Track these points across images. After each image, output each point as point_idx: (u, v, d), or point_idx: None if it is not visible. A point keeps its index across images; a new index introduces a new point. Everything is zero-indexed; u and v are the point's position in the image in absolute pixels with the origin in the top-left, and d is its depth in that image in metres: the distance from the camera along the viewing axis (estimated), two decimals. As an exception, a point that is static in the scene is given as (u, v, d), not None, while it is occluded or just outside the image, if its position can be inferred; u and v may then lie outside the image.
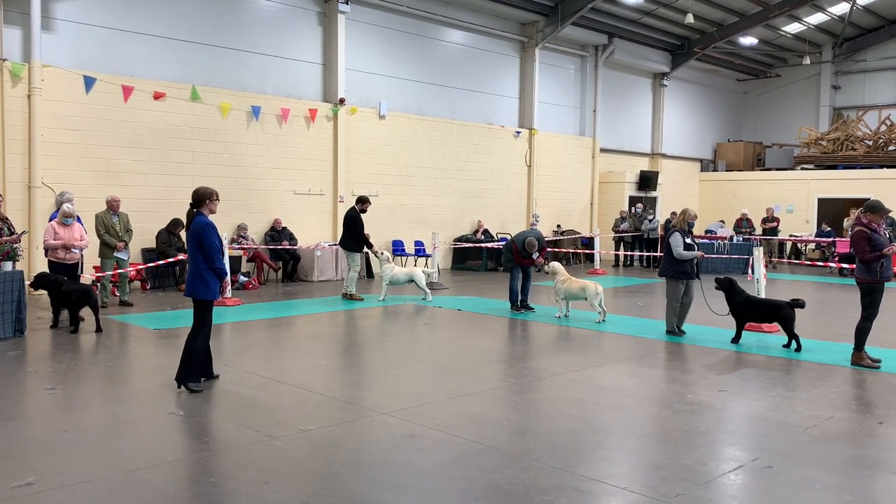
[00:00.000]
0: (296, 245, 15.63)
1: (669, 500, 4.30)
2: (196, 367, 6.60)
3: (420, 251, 18.28)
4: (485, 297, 13.55)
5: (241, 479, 4.59)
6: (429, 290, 12.98)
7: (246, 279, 14.40)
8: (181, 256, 12.87)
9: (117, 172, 13.78)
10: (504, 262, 12.32)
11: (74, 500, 4.21)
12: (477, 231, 19.57)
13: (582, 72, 23.11)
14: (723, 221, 21.02)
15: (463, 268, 19.22)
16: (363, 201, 13.33)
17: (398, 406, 6.17)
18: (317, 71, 16.84)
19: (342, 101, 16.81)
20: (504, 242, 14.52)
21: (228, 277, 6.73)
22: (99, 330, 9.38)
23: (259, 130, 15.72)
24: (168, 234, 13.74)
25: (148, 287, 13.87)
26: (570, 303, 11.31)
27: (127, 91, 13.80)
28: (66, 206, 10.35)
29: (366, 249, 13.53)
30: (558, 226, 22.05)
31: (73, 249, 10.21)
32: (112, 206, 11.81)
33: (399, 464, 4.86)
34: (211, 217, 6.73)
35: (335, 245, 15.44)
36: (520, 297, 11.89)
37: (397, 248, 18.04)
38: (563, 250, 20.86)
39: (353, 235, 13.05)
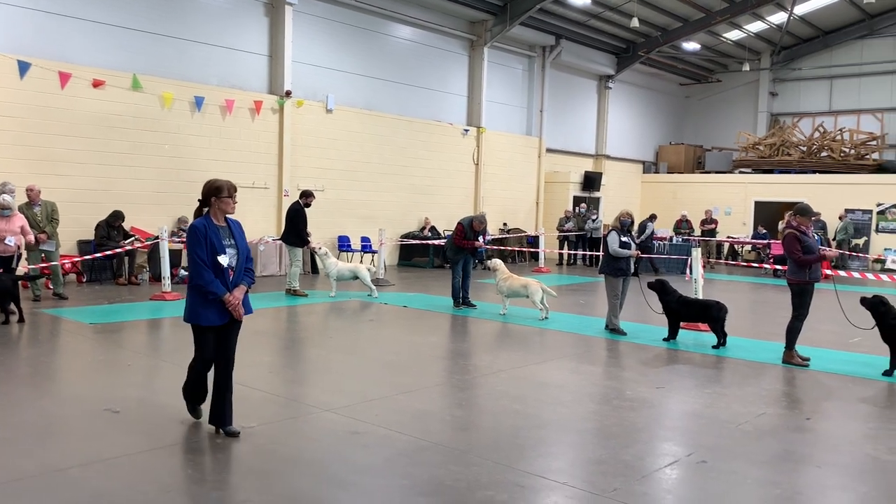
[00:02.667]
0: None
1: (607, 495, 4.40)
2: (188, 396, 5.45)
3: (366, 247, 18.20)
4: (430, 294, 13.58)
5: (181, 476, 4.52)
6: (374, 287, 12.94)
7: (186, 273, 14.11)
8: (119, 249, 12.51)
9: (54, 162, 13.32)
10: (448, 254, 12.33)
11: (5, 499, 4.07)
12: (424, 228, 19.60)
13: (530, 72, 23.34)
14: (654, 216, 21.17)
15: (409, 264, 19.22)
16: (307, 195, 13.20)
17: (342, 403, 6.15)
18: (263, 62, 16.59)
19: (288, 94, 16.60)
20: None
21: (230, 296, 5.07)
22: (21, 320, 9.24)
23: (202, 121, 15.40)
24: (108, 226, 13.35)
25: (84, 280, 13.47)
26: (509, 300, 11.43)
27: (64, 77, 13.34)
28: (3, 198, 10.01)
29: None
30: (504, 224, 22.24)
31: (6, 241, 9.87)
32: (30, 196, 11.24)
33: (342, 461, 4.85)
34: (231, 217, 5.28)
35: (278, 240, 15.25)
36: (461, 294, 11.99)
37: (343, 244, 17.93)
38: (509, 248, 21.06)
39: (296, 230, 12.92)
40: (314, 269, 16.46)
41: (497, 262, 11.53)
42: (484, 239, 12.24)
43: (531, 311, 11.28)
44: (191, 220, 15.10)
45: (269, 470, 4.62)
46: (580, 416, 6.10)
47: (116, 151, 14.14)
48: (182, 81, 15.08)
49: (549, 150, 24.02)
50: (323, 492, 4.35)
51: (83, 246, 13.57)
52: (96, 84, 13.75)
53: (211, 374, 5.31)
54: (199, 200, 5.20)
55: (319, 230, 16.64)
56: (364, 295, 12.82)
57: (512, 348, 9.11)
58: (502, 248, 20.13)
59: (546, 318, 10.88)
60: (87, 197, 13.66)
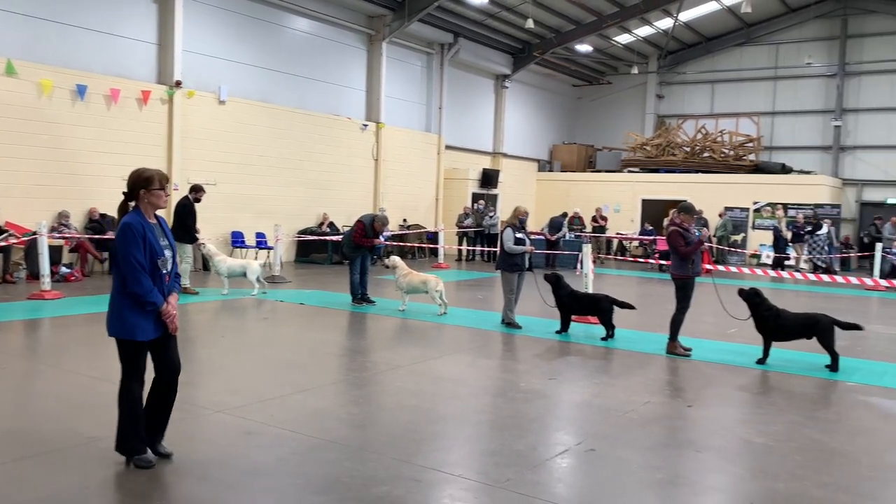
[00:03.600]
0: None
1: (500, 485, 4.50)
2: (135, 430, 4.51)
3: (261, 244, 17.80)
4: (328, 291, 13.43)
5: (62, 484, 4.28)
6: (265, 283, 12.69)
7: (68, 271, 13.37)
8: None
9: (-86, 150, 12.30)
10: (346, 250, 12.22)
11: None
12: (322, 223, 19.35)
13: (428, 69, 23.45)
14: (565, 214, 21.82)
15: (307, 261, 18.93)
16: (197, 190, 12.79)
17: (235, 403, 6.00)
18: (151, 51, 15.89)
19: (178, 84, 15.97)
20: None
21: (167, 306, 4.49)
22: None
23: (85, 111, 14.60)
24: (-24, 220, 12.46)
25: (-50, 279, 12.52)
26: (408, 296, 11.47)
27: (-73, 60, 12.35)
28: None
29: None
30: (404, 220, 22.27)
31: None
32: None
33: (233, 462, 4.73)
34: (158, 214, 4.64)
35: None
36: (360, 291, 11.93)
37: (237, 240, 17.46)
38: (409, 244, 21.11)
39: (184, 226, 12.48)
40: (206, 266, 15.92)
41: (396, 260, 11.55)
42: (383, 237, 12.25)
43: (430, 307, 11.35)
44: (73, 215, 13.87)
45: (155, 474, 4.45)
46: (476, 409, 6.20)
47: (-12, 141, 13.21)
48: (63, 68, 14.23)
49: (448, 147, 24.23)
50: (213, 494, 4.23)
51: (-50, 242, 12.62)
52: (-36, 68, 12.80)
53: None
54: (123, 193, 4.55)
55: (212, 226, 16.14)
56: (259, 292, 12.51)
57: (410, 344, 9.14)
58: (402, 244, 20.17)
59: (444, 313, 10.99)
60: (-45, 189, 12.72)
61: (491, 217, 21.84)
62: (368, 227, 11.80)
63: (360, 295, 11.90)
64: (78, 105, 14.47)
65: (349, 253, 12.05)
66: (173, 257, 4.61)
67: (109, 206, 14.95)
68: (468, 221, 22.21)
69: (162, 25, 15.94)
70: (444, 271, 17.77)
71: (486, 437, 5.50)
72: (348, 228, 13.21)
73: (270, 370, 7.35)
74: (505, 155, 27.17)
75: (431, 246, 21.49)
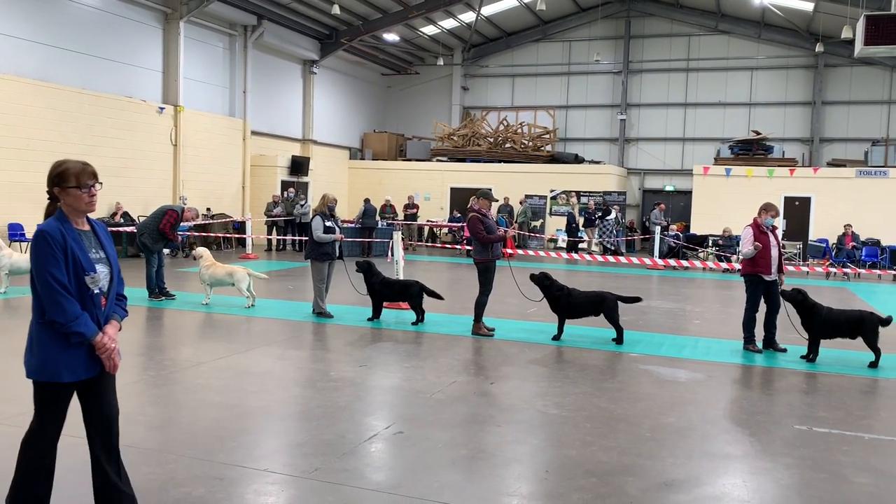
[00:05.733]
0: None
1: (308, 475, 4.46)
2: (31, 491, 3.57)
3: (17, 236, 16.14)
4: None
5: None
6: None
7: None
8: None
9: None
10: (147, 241, 11.34)
11: None
12: (115, 214, 17.97)
13: (231, 51, 22.48)
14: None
15: (99, 254, 17.48)
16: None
17: (13, 411, 5.43)
18: None
19: (-63, 58, 14.07)
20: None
21: (102, 337, 3.43)
22: None
23: None
24: None
25: None
26: (213, 288, 11.00)
27: None
28: None
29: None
30: (209, 209, 21.25)
31: None
32: None
33: (9, 478, 4.27)
34: (90, 219, 3.60)
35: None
36: (158, 284, 11.27)
37: (15, 233, 15.75)
38: (214, 235, 20.20)
39: None
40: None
41: (202, 250, 11.01)
42: (182, 227, 11.72)
43: (238, 300, 10.96)
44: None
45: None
46: (283, 402, 6.08)
47: None
48: None
49: (254, 133, 23.44)
50: (-16, 516, 3.80)
51: None
52: None
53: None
54: (47, 193, 3.51)
55: (-16, 217, 14.45)
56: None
57: (215, 339, 8.77)
58: (206, 234, 19.26)
59: (253, 305, 10.66)
60: None
61: (302, 205, 21.46)
62: (181, 217, 11.25)
63: (158, 289, 11.22)
64: None
65: (151, 245, 11.26)
66: (113, 273, 3.57)
67: None
68: (277, 210, 21.66)
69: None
70: (252, 262, 17.23)
71: (294, 429, 5.41)
72: (145, 218, 12.38)
73: (55, 374, 6.72)
74: (315, 142, 26.78)
75: (238, 236, 20.72)
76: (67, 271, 3.36)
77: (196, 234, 18.47)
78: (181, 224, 11.67)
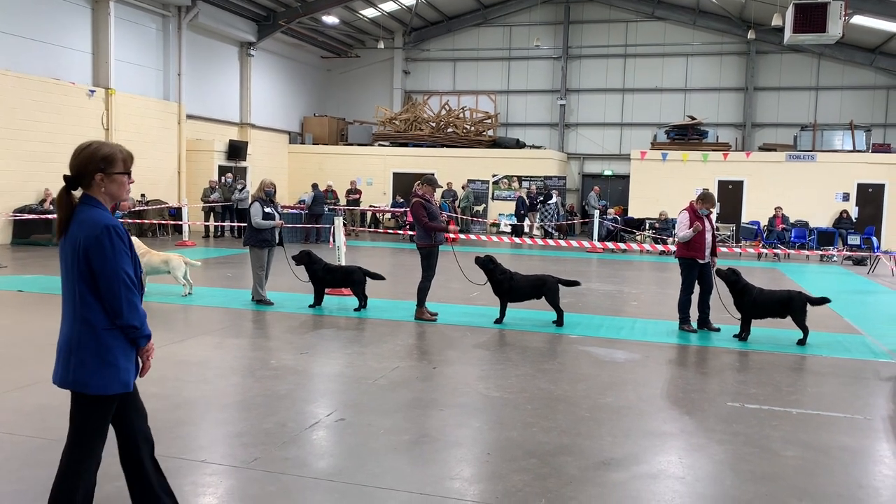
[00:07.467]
0: None
1: (248, 465, 4.39)
2: None
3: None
4: (52, 275, 12.08)
5: None
6: None
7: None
8: None
9: None
10: None
11: None
12: (45, 201, 17.30)
13: (165, 32, 21.79)
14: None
15: (27, 243, 16.85)
16: None
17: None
18: None
19: None
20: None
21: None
22: None
23: None
24: None
25: None
26: (148, 277, 10.71)
27: None
28: None
29: None
30: (143, 195, 20.64)
31: None
32: None
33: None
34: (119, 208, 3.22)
35: None
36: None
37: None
38: (149, 221, 19.65)
39: None
40: None
41: (134, 239, 10.67)
42: (117, 214, 11.29)
43: (174, 288, 10.70)
44: None
45: None
46: (222, 392, 5.97)
47: None
48: None
49: (190, 117, 22.83)
50: None
51: None
52: None
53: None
54: (65, 178, 3.08)
55: None
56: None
57: (151, 328, 8.50)
58: (141, 221, 18.72)
59: (190, 293, 10.42)
60: None
61: (240, 191, 21.04)
62: (116, 206, 10.85)
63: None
64: None
65: None
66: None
67: None
68: (215, 196, 21.18)
69: None
70: (189, 249, 16.84)
71: (233, 419, 5.32)
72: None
73: (-21, 368, 6.45)
74: (253, 126, 26.25)
75: (175, 223, 20.20)
76: (134, 268, 3.13)
77: (130, 220, 17.93)
78: (116, 212, 11.30)
